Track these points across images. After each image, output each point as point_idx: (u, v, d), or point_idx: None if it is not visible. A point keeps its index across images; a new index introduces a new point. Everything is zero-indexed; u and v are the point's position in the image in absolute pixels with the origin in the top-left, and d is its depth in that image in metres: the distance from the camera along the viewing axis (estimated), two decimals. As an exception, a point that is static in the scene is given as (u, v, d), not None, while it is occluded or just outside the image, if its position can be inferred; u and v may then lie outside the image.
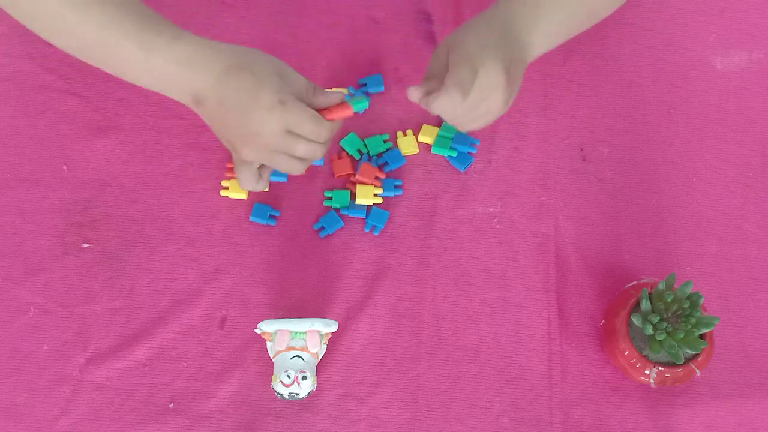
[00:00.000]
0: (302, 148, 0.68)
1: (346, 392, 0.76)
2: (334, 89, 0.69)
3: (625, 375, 0.76)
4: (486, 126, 0.73)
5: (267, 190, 0.74)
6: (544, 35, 0.74)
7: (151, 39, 0.67)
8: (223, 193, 0.82)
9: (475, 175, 0.85)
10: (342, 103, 0.70)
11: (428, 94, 0.67)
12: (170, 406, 0.74)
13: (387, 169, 0.84)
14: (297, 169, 0.71)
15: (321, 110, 0.70)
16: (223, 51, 0.68)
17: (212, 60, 0.68)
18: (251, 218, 0.81)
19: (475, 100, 0.68)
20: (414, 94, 0.68)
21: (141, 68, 0.69)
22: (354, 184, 0.83)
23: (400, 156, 0.84)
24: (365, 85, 0.87)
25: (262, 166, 0.75)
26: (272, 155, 0.69)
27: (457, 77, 0.66)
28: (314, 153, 0.70)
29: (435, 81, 0.69)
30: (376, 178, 0.83)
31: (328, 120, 0.69)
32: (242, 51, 0.69)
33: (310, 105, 0.69)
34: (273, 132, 0.67)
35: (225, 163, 0.84)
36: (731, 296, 0.81)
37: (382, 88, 0.87)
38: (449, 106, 0.67)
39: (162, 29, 0.68)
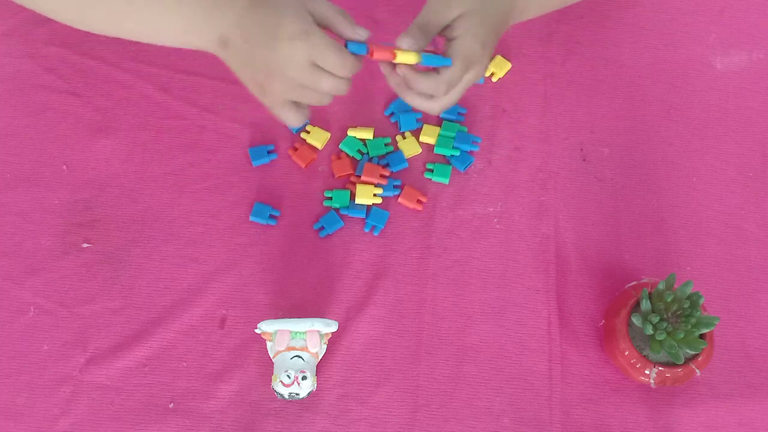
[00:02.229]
0: (326, 84, 0.67)
1: (346, 392, 0.76)
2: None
3: (625, 375, 0.76)
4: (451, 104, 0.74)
5: (308, 118, 0.72)
6: (532, 9, 0.78)
7: None
8: (303, 135, 0.84)
9: (475, 175, 0.85)
10: (387, 47, 0.68)
11: (413, 46, 0.67)
12: (170, 406, 0.74)
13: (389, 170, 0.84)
14: (324, 101, 0.70)
15: (371, 49, 0.67)
16: None
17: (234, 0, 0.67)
18: (251, 218, 0.81)
19: (462, 86, 0.71)
20: (406, 44, 0.67)
21: (167, 20, 0.69)
22: (354, 184, 0.83)
23: (402, 158, 0.84)
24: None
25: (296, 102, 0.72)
26: (301, 90, 0.68)
27: (459, 65, 0.68)
28: (339, 87, 0.68)
29: (425, 37, 0.68)
30: (381, 176, 0.83)
31: (374, 58, 0.67)
32: None
33: (340, 35, 0.67)
34: (298, 64, 0.65)
35: (225, 163, 0.84)
36: (731, 296, 0.81)
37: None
38: (443, 85, 0.69)
39: None
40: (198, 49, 0.72)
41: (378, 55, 0.67)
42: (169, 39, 0.72)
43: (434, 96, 0.71)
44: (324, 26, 0.67)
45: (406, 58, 0.67)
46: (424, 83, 0.69)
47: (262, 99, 0.71)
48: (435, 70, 0.69)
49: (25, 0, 0.72)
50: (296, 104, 0.70)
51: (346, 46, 0.66)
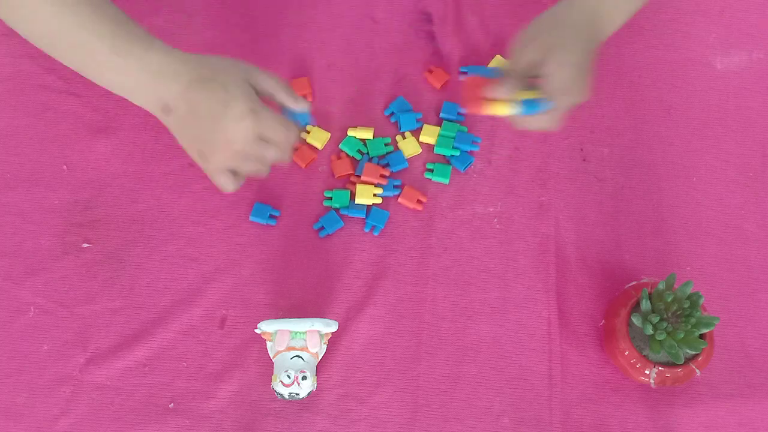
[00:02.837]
0: (272, 153, 0.70)
1: (346, 392, 0.76)
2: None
3: (625, 375, 0.76)
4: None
5: (240, 186, 0.75)
6: (618, 17, 0.77)
7: (124, 46, 0.68)
8: (303, 135, 0.85)
9: (475, 175, 0.85)
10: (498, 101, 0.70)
11: (510, 94, 0.69)
12: (170, 406, 0.74)
13: (389, 170, 0.84)
14: (264, 172, 0.73)
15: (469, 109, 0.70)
16: (191, 62, 0.69)
17: (180, 72, 0.69)
18: (251, 218, 0.81)
19: (566, 108, 0.72)
20: (502, 93, 0.69)
21: (112, 72, 0.70)
22: (354, 184, 0.83)
23: (402, 158, 0.84)
24: (466, 73, 0.88)
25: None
26: (243, 161, 0.70)
27: (563, 100, 0.70)
28: (282, 156, 0.71)
29: (518, 81, 0.70)
30: (381, 176, 0.83)
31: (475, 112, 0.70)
32: (211, 60, 0.70)
33: (280, 103, 0.71)
34: (246, 139, 0.68)
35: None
36: (731, 296, 0.81)
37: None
38: (549, 123, 0.72)
39: (135, 37, 0.69)
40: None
41: (479, 110, 0.70)
42: (112, 89, 0.72)
43: (552, 125, 0.73)
44: (266, 97, 0.71)
45: (502, 110, 0.70)
46: (537, 124, 0.72)
47: (201, 164, 0.73)
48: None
49: (9, 21, 0.72)
50: (233, 172, 0.73)
51: (283, 112, 0.71)
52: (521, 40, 0.72)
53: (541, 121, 0.72)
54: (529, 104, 0.70)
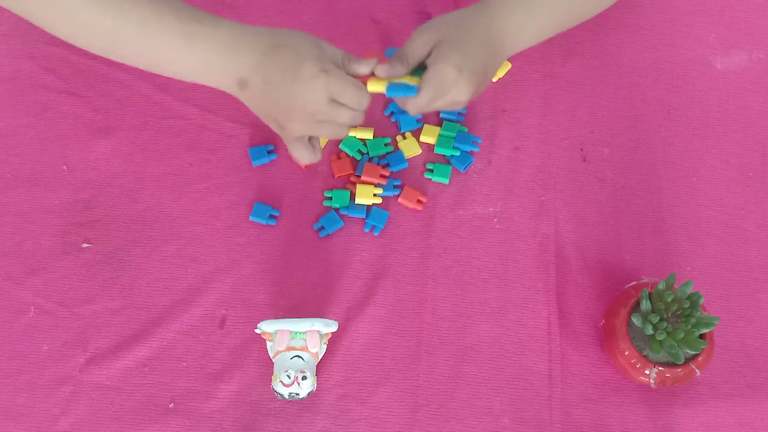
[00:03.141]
0: (346, 115, 0.70)
1: (346, 392, 0.76)
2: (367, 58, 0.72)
3: (625, 375, 0.76)
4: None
5: (320, 158, 0.76)
6: (526, 40, 0.78)
7: (192, 29, 0.69)
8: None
9: (475, 175, 0.85)
10: (378, 79, 0.72)
11: (390, 78, 0.71)
12: (170, 406, 0.74)
13: (389, 170, 0.84)
14: (342, 134, 0.73)
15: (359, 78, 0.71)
16: (262, 33, 0.70)
17: (252, 42, 0.69)
18: (251, 218, 0.81)
19: (438, 106, 0.73)
20: (381, 71, 0.71)
21: (184, 59, 0.70)
22: (354, 184, 0.83)
23: (402, 158, 0.84)
24: None
25: (311, 138, 0.75)
26: (319, 125, 0.71)
27: (429, 91, 0.70)
28: (357, 118, 0.71)
29: (402, 66, 0.71)
30: (381, 176, 0.83)
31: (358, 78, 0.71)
32: (279, 31, 0.71)
33: (350, 72, 0.71)
34: (318, 100, 0.68)
35: (225, 163, 0.84)
36: (731, 296, 0.81)
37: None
38: (411, 108, 0.73)
39: (200, 18, 0.70)
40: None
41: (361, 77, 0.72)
42: (183, 76, 0.73)
43: (413, 110, 0.73)
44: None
45: (376, 87, 0.71)
46: (407, 107, 0.73)
47: (280, 134, 0.74)
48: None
49: (37, 16, 0.72)
50: (311, 143, 0.74)
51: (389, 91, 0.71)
52: (421, 27, 0.73)
53: (405, 106, 0.73)
54: (395, 88, 0.71)
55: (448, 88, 0.71)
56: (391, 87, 0.71)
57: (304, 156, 0.74)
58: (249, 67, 0.69)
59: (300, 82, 0.68)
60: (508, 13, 0.75)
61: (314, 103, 0.69)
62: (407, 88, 0.71)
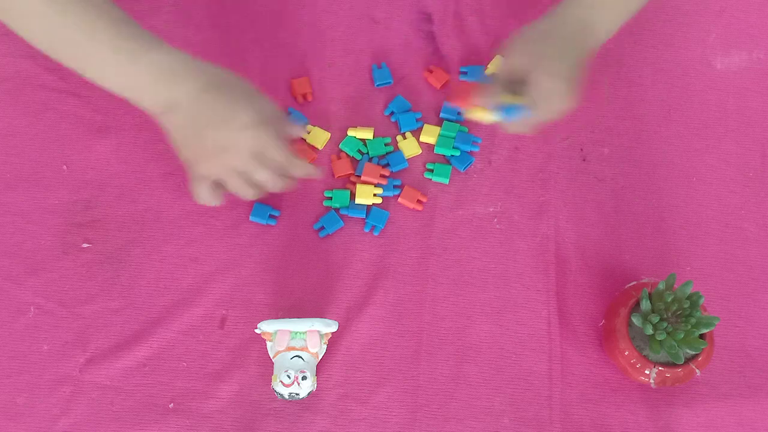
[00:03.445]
0: (263, 175, 0.70)
1: (346, 392, 0.76)
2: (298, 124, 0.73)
3: (625, 375, 0.76)
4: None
5: (219, 203, 0.76)
6: (606, 27, 0.78)
7: (128, 46, 0.68)
8: (303, 135, 0.84)
9: (475, 175, 0.85)
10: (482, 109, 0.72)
11: (491, 101, 0.71)
12: (170, 406, 0.74)
13: (389, 170, 0.84)
14: (249, 194, 0.73)
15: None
16: (201, 67, 0.70)
17: (191, 74, 0.69)
18: (251, 218, 0.81)
19: (551, 119, 0.74)
20: (484, 101, 0.71)
21: (115, 73, 0.69)
22: (354, 184, 0.83)
23: (402, 158, 0.84)
24: (466, 73, 0.88)
25: (216, 183, 0.75)
26: (231, 174, 0.71)
27: (544, 108, 0.71)
28: (274, 182, 0.71)
29: (498, 87, 0.71)
30: (381, 176, 0.83)
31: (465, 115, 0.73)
32: (219, 70, 0.71)
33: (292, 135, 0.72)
34: (242, 150, 0.68)
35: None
36: (731, 296, 0.81)
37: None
38: (526, 128, 0.75)
39: (139, 37, 0.69)
40: (139, 107, 0.72)
41: (467, 112, 0.73)
42: (113, 90, 0.71)
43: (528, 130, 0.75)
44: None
45: (482, 116, 0.71)
46: (515, 128, 0.74)
47: (189, 168, 0.73)
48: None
49: (11, 24, 0.72)
50: (215, 187, 0.74)
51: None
52: (511, 47, 0.73)
53: (518, 126, 0.73)
54: (508, 110, 0.71)
55: (558, 101, 0.71)
56: (504, 110, 0.70)
57: (203, 196, 0.74)
58: (182, 99, 0.69)
59: (231, 128, 0.68)
60: (589, 7, 0.75)
61: (237, 152, 0.68)
62: (517, 108, 0.70)
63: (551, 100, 0.71)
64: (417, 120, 0.86)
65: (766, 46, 0.93)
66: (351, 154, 0.85)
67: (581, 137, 0.87)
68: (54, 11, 0.67)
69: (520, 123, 0.72)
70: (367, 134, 0.85)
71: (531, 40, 0.73)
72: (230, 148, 0.68)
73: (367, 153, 0.85)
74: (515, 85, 0.71)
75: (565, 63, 0.71)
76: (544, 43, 0.72)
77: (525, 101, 0.71)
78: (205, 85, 0.68)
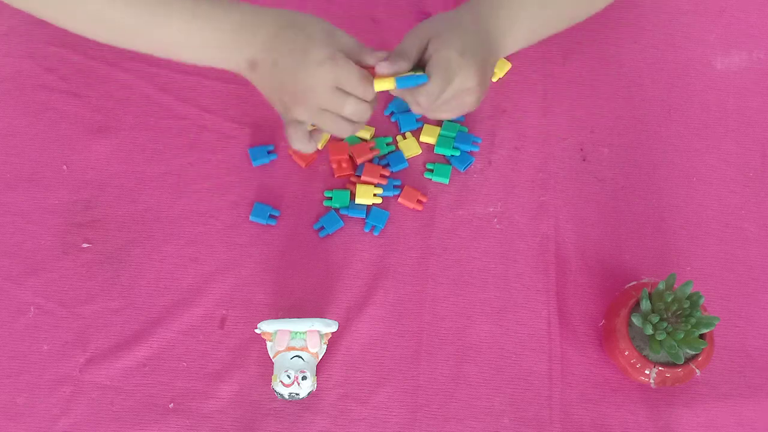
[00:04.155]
0: (350, 106, 0.69)
1: (346, 392, 0.76)
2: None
3: (625, 375, 0.76)
4: (453, 117, 0.77)
5: (314, 149, 0.75)
6: (518, 38, 0.77)
7: (201, 10, 0.69)
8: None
9: (475, 175, 0.85)
10: (384, 76, 0.70)
11: (395, 74, 0.69)
12: (170, 406, 0.74)
13: (389, 170, 0.84)
14: (345, 130, 0.72)
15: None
16: (273, 14, 0.70)
17: (263, 23, 0.69)
18: (251, 218, 0.81)
19: (449, 98, 0.72)
20: (384, 68, 0.69)
21: (193, 42, 0.70)
22: (354, 184, 0.83)
23: (402, 158, 0.84)
24: None
25: (314, 130, 0.75)
26: (322, 114, 0.70)
27: (438, 76, 0.69)
28: (361, 113, 0.70)
29: (403, 61, 0.70)
30: (381, 176, 0.83)
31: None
32: (291, 13, 0.71)
33: (358, 64, 0.70)
34: (324, 87, 0.68)
35: (225, 163, 0.84)
36: (731, 296, 0.81)
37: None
38: (424, 99, 0.70)
39: (208, 1, 0.69)
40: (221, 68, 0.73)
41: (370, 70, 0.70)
42: (190, 57, 0.72)
43: (423, 107, 0.72)
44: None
45: (383, 85, 0.70)
46: (409, 98, 0.72)
47: (283, 115, 0.73)
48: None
49: (40, 12, 0.72)
50: (309, 134, 0.73)
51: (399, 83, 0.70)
52: (414, 28, 0.73)
53: (414, 98, 0.71)
54: (405, 79, 0.70)
55: (454, 72, 0.69)
56: (400, 79, 0.70)
57: (297, 141, 0.73)
58: (259, 48, 0.69)
59: (307, 66, 0.67)
60: (496, 7, 0.75)
61: (319, 89, 0.68)
62: (417, 77, 0.69)
63: (446, 71, 0.69)
64: (417, 120, 0.86)
65: (766, 46, 0.93)
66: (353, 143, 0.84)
67: (581, 137, 0.87)
68: (123, 6, 0.68)
69: (419, 94, 0.70)
70: (365, 134, 0.85)
71: (433, 23, 0.73)
72: (312, 86, 0.68)
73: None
74: (403, 60, 0.71)
75: (460, 38, 0.70)
76: (443, 25, 0.72)
77: (422, 71, 0.70)
78: (275, 31, 0.68)
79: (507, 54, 0.78)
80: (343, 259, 0.81)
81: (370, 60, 0.70)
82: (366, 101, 0.70)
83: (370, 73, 0.70)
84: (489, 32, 0.74)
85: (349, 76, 0.68)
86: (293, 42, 0.68)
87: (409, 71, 0.70)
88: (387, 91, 0.71)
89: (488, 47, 0.74)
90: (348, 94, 0.69)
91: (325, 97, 0.68)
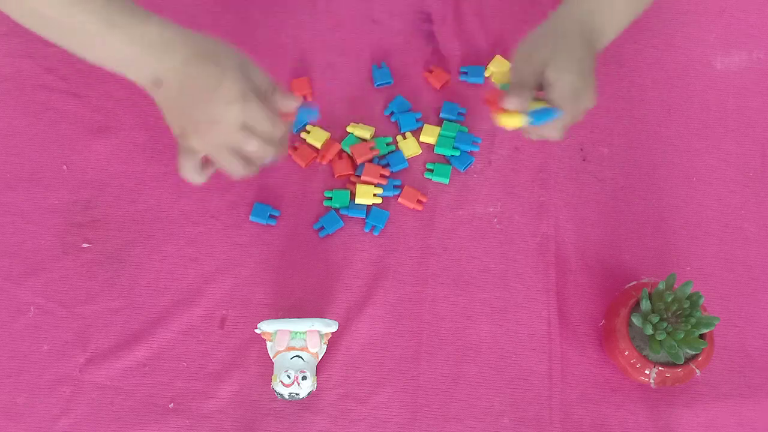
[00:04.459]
0: (254, 145, 0.68)
1: (346, 392, 0.76)
2: (292, 95, 0.71)
3: (625, 375, 0.76)
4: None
5: (203, 182, 0.74)
6: (615, 28, 0.77)
7: (117, 18, 0.67)
8: (303, 135, 0.84)
9: (475, 175, 0.85)
10: (511, 113, 0.70)
11: (521, 106, 0.69)
12: (170, 406, 0.74)
13: (389, 170, 0.84)
14: (239, 170, 0.71)
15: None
16: (191, 38, 0.68)
17: (179, 45, 0.67)
18: (251, 218, 0.81)
19: (575, 119, 0.72)
20: (513, 104, 0.68)
21: (103, 46, 0.68)
22: (354, 184, 0.83)
23: (402, 158, 0.84)
24: (466, 73, 0.88)
25: (206, 161, 0.74)
26: (220, 149, 0.69)
27: (569, 107, 0.69)
28: (264, 153, 0.69)
29: (528, 92, 0.69)
30: (381, 176, 0.83)
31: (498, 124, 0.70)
32: (210, 40, 0.69)
33: (279, 107, 0.70)
34: (230, 123, 0.67)
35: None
36: (731, 296, 0.81)
37: (481, 80, 0.88)
38: (558, 131, 0.72)
39: (128, 9, 0.67)
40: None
41: (496, 119, 0.70)
42: (104, 64, 0.70)
43: (555, 137, 0.73)
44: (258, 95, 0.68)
45: (514, 121, 0.69)
46: (545, 133, 0.72)
47: (178, 141, 0.71)
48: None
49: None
50: (203, 164, 0.72)
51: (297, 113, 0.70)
52: (519, 53, 0.72)
53: (548, 130, 0.72)
54: (539, 114, 0.69)
55: (581, 96, 0.70)
56: (535, 115, 0.69)
57: (187, 171, 0.71)
58: (168, 70, 0.67)
59: (216, 102, 0.66)
60: (593, 8, 0.74)
61: (224, 126, 0.67)
62: (550, 110, 0.69)
63: (574, 97, 0.69)
64: (417, 120, 0.86)
65: (766, 46, 0.93)
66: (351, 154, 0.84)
67: (581, 137, 0.87)
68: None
69: (551, 127, 0.71)
70: (366, 133, 0.85)
71: (537, 43, 0.72)
72: (218, 122, 0.67)
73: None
74: (532, 90, 0.70)
75: (574, 59, 0.70)
76: (551, 44, 0.71)
77: (551, 103, 0.69)
78: (191, 56, 0.67)
79: (603, 47, 0.77)
80: (343, 259, 0.81)
81: (281, 103, 0.70)
82: (273, 140, 0.69)
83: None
84: (589, 33, 0.73)
85: (258, 115, 0.67)
86: (205, 73, 0.66)
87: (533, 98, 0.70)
88: (389, 90, 0.71)
89: (593, 51, 0.74)
90: (253, 133, 0.68)
91: (229, 134, 0.67)
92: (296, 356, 0.72)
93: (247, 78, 0.67)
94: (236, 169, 0.71)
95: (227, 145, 0.68)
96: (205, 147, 0.69)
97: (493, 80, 0.89)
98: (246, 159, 0.70)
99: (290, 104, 0.70)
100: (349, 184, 0.84)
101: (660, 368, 0.72)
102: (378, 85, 0.88)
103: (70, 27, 0.68)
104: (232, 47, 0.69)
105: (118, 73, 0.70)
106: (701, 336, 0.72)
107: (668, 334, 0.70)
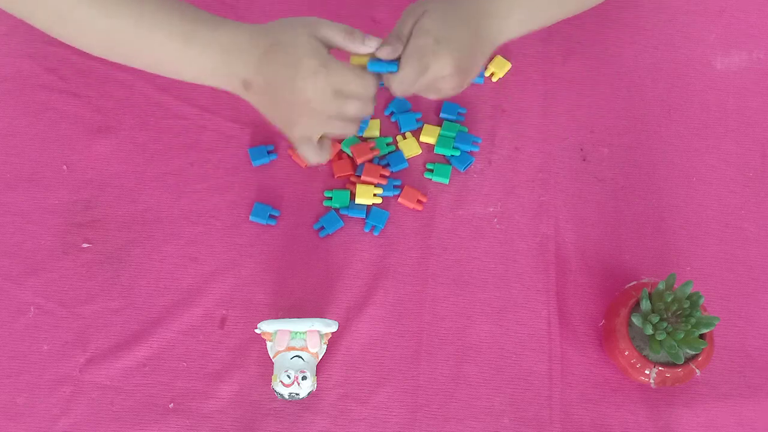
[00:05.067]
0: (353, 106, 0.69)
1: (346, 392, 0.76)
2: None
3: (625, 375, 0.76)
4: (435, 98, 0.76)
5: (330, 157, 0.75)
6: (520, 21, 0.75)
7: (191, 29, 0.68)
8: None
9: (475, 175, 0.85)
10: (360, 56, 0.70)
11: (392, 54, 0.69)
12: (170, 406, 0.74)
13: (389, 170, 0.84)
14: (351, 130, 0.72)
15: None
16: (259, 32, 0.69)
17: (251, 43, 0.68)
18: (251, 218, 0.81)
19: (425, 84, 0.71)
20: (385, 51, 0.69)
21: (182, 60, 0.69)
22: (354, 184, 0.83)
23: (402, 158, 0.84)
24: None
25: (320, 138, 0.74)
26: (327, 121, 0.70)
27: (409, 65, 0.68)
28: (364, 109, 0.70)
29: (399, 44, 0.69)
30: (381, 176, 0.83)
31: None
32: (275, 27, 0.70)
33: (353, 53, 0.69)
34: (322, 95, 0.67)
35: (225, 163, 0.84)
36: (731, 296, 0.81)
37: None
38: (396, 86, 0.70)
39: (200, 18, 0.69)
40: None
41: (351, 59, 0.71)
42: (183, 76, 0.72)
43: (396, 92, 0.71)
44: (335, 48, 0.69)
45: (359, 61, 0.70)
46: (392, 86, 0.71)
47: (288, 134, 0.72)
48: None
49: (65, 37, 0.72)
50: (318, 144, 0.72)
51: (370, 66, 0.69)
52: (410, 7, 0.71)
53: (389, 81, 0.70)
54: (376, 64, 0.69)
55: (428, 61, 0.68)
56: (372, 62, 0.69)
57: (311, 156, 0.72)
58: (250, 69, 0.69)
59: (301, 79, 0.67)
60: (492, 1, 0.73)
61: (319, 98, 0.67)
62: (387, 64, 0.69)
63: (421, 59, 0.68)
64: (417, 120, 0.86)
65: (766, 46, 0.93)
66: (351, 155, 0.84)
67: (581, 137, 0.87)
68: (109, 13, 0.67)
69: (392, 81, 0.70)
70: (374, 130, 0.85)
71: (426, 1, 0.71)
72: (310, 98, 0.67)
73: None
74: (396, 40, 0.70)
75: (447, 28, 0.69)
76: (433, 5, 0.70)
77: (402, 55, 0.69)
78: (263, 49, 0.68)
79: (508, 38, 0.76)
80: (343, 259, 0.81)
81: (361, 50, 0.69)
82: (367, 96, 0.69)
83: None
84: (485, 15, 0.72)
85: (345, 77, 0.67)
86: (282, 60, 0.67)
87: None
88: (384, 90, 0.71)
89: (480, 35, 0.72)
90: (347, 95, 0.68)
91: (327, 104, 0.68)
92: (296, 356, 0.72)
93: (320, 44, 0.68)
94: (350, 130, 0.71)
95: (329, 115, 0.69)
96: (312, 126, 0.70)
97: (493, 80, 0.89)
98: (349, 120, 0.70)
99: (369, 48, 0.70)
100: (349, 184, 0.84)
101: (660, 368, 0.72)
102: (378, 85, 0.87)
103: (148, 46, 0.69)
104: (294, 20, 0.69)
105: (202, 83, 0.71)
106: (701, 336, 0.72)
107: (668, 334, 0.70)
